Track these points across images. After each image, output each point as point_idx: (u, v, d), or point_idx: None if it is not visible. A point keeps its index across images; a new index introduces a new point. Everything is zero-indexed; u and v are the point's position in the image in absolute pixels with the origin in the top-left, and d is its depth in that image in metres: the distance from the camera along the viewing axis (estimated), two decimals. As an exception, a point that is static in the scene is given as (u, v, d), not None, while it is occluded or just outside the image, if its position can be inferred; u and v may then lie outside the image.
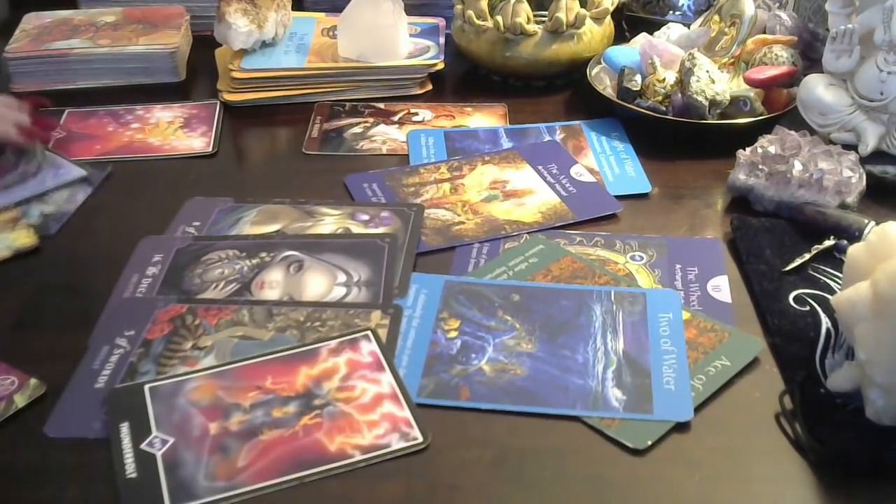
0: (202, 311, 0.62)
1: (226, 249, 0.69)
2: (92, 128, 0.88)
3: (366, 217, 0.73)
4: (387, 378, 0.56)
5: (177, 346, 0.59)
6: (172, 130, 0.87)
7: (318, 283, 0.65)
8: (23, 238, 0.70)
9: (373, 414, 0.53)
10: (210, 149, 0.85)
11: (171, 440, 0.52)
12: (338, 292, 0.64)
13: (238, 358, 0.58)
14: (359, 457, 0.51)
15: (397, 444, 0.52)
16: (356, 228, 0.72)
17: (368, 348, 0.58)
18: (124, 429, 0.53)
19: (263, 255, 0.68)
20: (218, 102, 0.92)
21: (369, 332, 0.59)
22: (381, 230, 0.71)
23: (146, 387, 0.56)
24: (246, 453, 0.51)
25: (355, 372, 0.56)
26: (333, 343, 0.59)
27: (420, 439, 0.52)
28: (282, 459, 0.51)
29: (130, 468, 0.51)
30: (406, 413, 0.53)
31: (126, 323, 0.61)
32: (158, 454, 0.51)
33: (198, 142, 0.86)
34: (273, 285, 0.65)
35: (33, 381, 0.56)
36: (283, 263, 0.67)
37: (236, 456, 0.51)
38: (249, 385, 0.56)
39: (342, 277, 0.65)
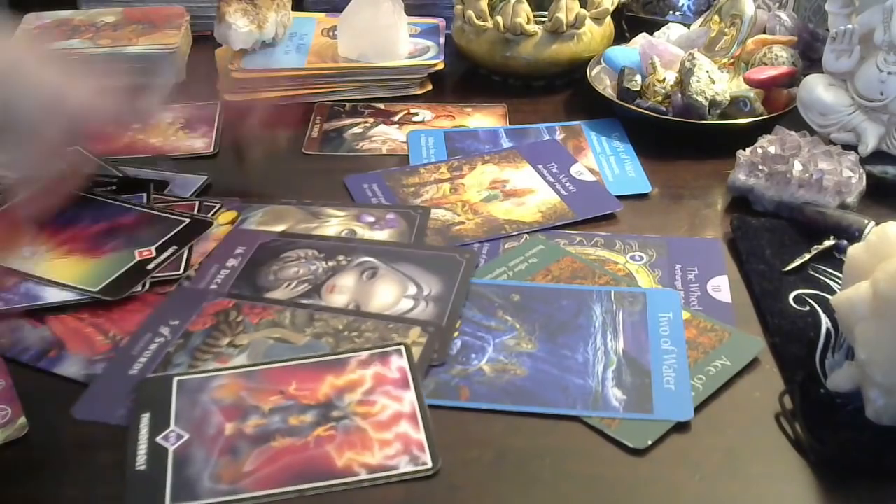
0: (247, 308, 0.62)
1: (306, 249, 0.68)
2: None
3: (371, 219, 0.73)
4: (410, 397, 0.55)
5: (214, 342, 0.59)
6: (174, 131, 0.87)
7: (388, 293, 0.64)
8: None
9: (387, 432, 0.52)
10: (211, 149, 0.84)
11: (187, 436, 0.52)
12: (405, 304, 0.63)
13: (269, 360, 0.58)
14: (364, 476, 0.50)
15: (405, 467, 0.50)
16: (361, 230, 0.71)
17: (398, 364, 0.57)
18: (145, 419, 0.53)
19: (341, 258, 0.67)
20: (218, 103, 0.92)
21: (402, 347, 0.58)
22: (385, 232, 0.71)
23: (175, 379, 0.56)
24: (254, 458, 0.51)
25: (380, 387, 0.55)
26: (364, 355, 0.58)
27: (429, 465, 0.50)
28: (287, 469, 0.50)
29: (141, 460, 0.51)
30: (421, 436, 0.52)
31: (174, 312, 0.61)
32: (171, 449, 0.51)
33: (199, 142, 0.85)
34: (343, 290, 0.64)
35: (21, 420, 0.54)
36: (358, 269, 0.66)
37: (244, 460, 0.51)
38: (273, 389, 0.55)
39: (413, 289, 0.64)
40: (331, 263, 0.67)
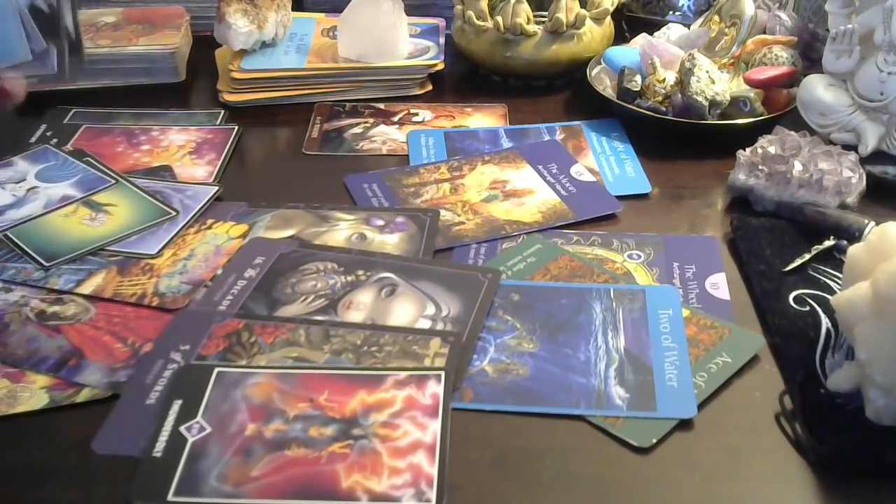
0: (259, 328, 0.60)
1: (325, 261, 0.67)
2: (102, 146, 0.85)
3: (381, 222, 0.72)
4: (435, 427, 0.53)
5: (230, 364, 0.58)
6: (180, 156, 0.84)
7: (405, 312, 0.62)
8: None
9: (401, 460, 0.51)
10: (212, 179, 0.80)
11: (209, 430, 0.52)
12: (422, 325, 0.61)
13: (308, 364, 0.57)
14: (364, 502, 0.48)
15: (407, 501, 0.48)
16: (371, 234, 0.71)
17: (433, 389, 0.55)
18: (175, 406, 0.53)
19: (360, 272, 0.66)
20: (236, 127, 0.88)
21: (443, 374, 0.56)
22: (396, 236, 0.71)
23: (216, 370, 0.56)
24: (265, 464, 0.50)
25: (408, 411, 0.54)
26: (403, 375, 0.56)
27: (433, 503, 0.49)
28: (293, 481, 0.49)
29: (160, 446, 0.51)
30: (434, 471, 0.50)
31: (184, 336, 0.60)
32: (191, 440, 0.51)
33: (201, 171, 0.82)
34: (360, 307, 0.62)
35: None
36: (377, 285, 0.64)
37: (255, 464, 0.50)
38: (304, 395, 0.54)
39: (431, 309, 0.62)
40: (349, 278, 0.65)
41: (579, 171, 0.80)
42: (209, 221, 0.73)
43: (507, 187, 0.78)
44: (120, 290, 0.65)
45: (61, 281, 0.65)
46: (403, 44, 0.96)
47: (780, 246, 0.69)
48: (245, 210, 0.74)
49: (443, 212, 0.74)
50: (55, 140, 0.86)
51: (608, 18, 0.97)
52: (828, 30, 0.80)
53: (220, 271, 0.67)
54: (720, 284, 0.66)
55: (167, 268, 0.67)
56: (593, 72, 0.93)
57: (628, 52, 0.93)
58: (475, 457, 0.52)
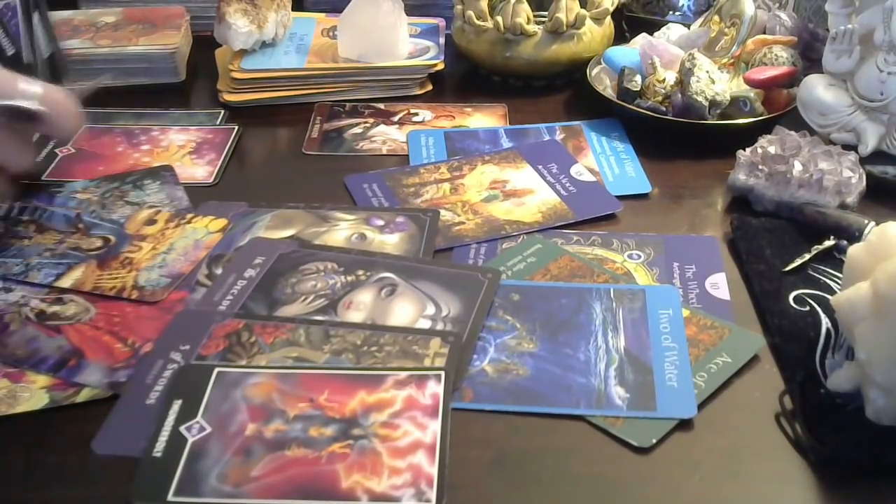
0: (259, 328, 0.60)
1: (325, 261, 0.67)
2: (103, 146, 0.85)
3: (381, 222, 0.72)
4: (435, 427, 0.53)
5: (230, 364, 0.58)
6: (180, 156, 0.84)
7: (405, 312, 0.62)
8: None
9: (401, 461, 0.51)
10: (212, 179, 0.80)
11: (209, 430, 0.52)
12: (422, 325, 0.61)
13: (308, 364, 0.57)
14: (364, 502, 0.48)
15: (408, 501, 0.48)
16: (371, 234, 0.71)
17: (433, 389, 0.55)
18: (175, 406, 0.53)
19: (360, 272, 0.66)
20: (236, 127, 0.88)
21: (443, 374, 0.56)
22: (396, 236, 0.71)
23: (216, 370, 0.56)
24: (265, 464, 0.50)
25: (408, 411, 0.54)
26: (403, 375, 0.56)
27: (433, 503, 0.49)
28: (293, 481, 0.49)
29: (160, 446, 0.51)
30: (434, 470, 0.50)
31: (184, 336, 0.60)
32: (191, 440, 0.51)
33: (201, 170, 0.82)
34: (360, 307, 0.62)
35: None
36: (377, 285, 0.64)
37: (255, 464, 0.50)
38: (304, 395, 0.54)
39: (431, 309, 0.62)
40: (349, 278, 0.65)
41: (579, 170, 0.80)
42: (188, 216, 0.73)
43: (507, 187, 0.78)
44: (100, 284, 0.65)
45: (41, 275, 0.66)
46: (403, 44, 0.96)
47: (780, 246, 0.69)
48: (245, 210, 0.74)
49: (443, 212, 0.74)
50: (55, 140, 0.85)
51: (608, 18, 0.97)
52: (828, 30, 0.80)
53: (204, 267, 0.67)
54: (720, 284, 0.66)
55: (147, 261, 0.67)
56: (593, 72, 0.93)
57: (628, 52, 0.93)
58: (475, 457, 0.52)
